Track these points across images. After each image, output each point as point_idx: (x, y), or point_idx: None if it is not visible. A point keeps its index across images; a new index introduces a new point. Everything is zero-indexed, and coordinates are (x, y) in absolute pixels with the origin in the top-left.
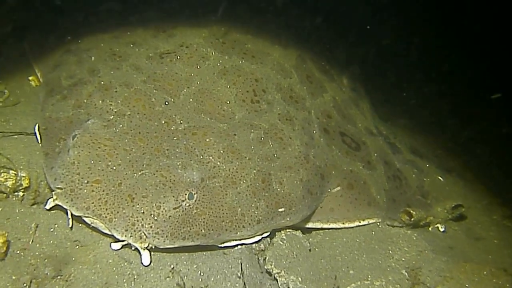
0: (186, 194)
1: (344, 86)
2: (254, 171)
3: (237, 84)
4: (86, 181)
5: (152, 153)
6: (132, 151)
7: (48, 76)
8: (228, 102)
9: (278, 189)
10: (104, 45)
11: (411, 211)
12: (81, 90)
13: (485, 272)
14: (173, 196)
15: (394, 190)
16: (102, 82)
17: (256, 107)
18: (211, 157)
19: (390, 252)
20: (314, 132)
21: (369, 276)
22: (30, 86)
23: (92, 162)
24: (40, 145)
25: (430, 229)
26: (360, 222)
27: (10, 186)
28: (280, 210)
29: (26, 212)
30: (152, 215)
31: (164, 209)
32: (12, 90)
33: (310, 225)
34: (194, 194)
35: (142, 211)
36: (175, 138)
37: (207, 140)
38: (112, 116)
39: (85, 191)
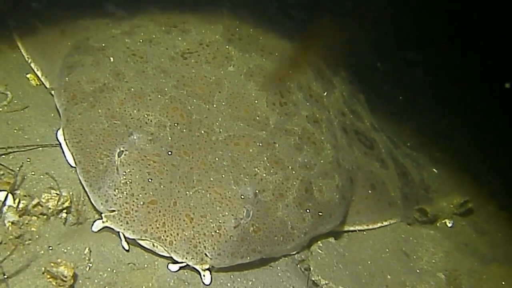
0: (244, 212)
1: (344, 79)
2: (298, 181)
3: (266, 86)
4: (141, 203)
5: (199, 167)
6: (180, 166)
7: (62, 78)
8: (260, 106)
9: (319, 198)
10: (118, 44)
11: (426, 209)
12: (111, 98)
13: None
14: (232, 215)
15: (405, 187)
16: (132, 89)
17: (286, 110)
18: (257, 169)
19: (419, 254)
20: (337, 133)
21: (407, 282)
22: (30, 86)
23: (144, 181)
24: (67, 157)
25: (438, 224)
26: (382, 223)
27: (52, 207)
28: (322, 219)
29: (73, 235)
30: (214, 236)
31: (225, 229)
32: (13, 91)
33: (339, 228)
34: (250, 211)
35: (203, 233)
36: (219, 150)
37: (251, 151)
38: (153, 128)
39: (141, 213)
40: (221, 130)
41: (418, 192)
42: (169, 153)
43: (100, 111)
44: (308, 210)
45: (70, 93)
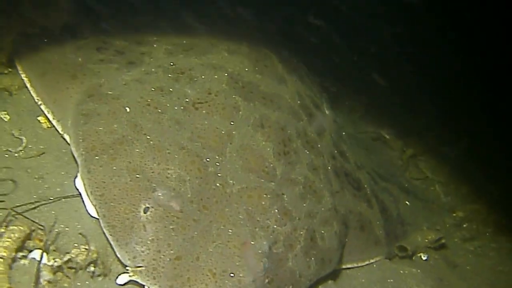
0: (261, 266)
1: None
2: (304, 231)
3: (271, 136)
4: (168, 259)
5: (218, 220)
6: (201, 221)
7: (79, 127)
8: (268, 157)
9: (321, 245)
10: (132, 92)
11: (406, 246)
12: (131, 151)
13: None
14: (251, 269)
15: (386, 223)
16: (151, 142)
17: (289, 159)
18: (269, 221)
19: None
20: (331, 178)
21: None
22: (42, 129)
23: (170, 237)
24: (88, 208)
25: (413, 258)
26: (369, 261)
27: (80, 261)
28: (324, 264)
29: None
30: None
31: (245, 283)
32: (26, 135)
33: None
34: (266, 264)
35: (225, 287)
36: (234, 203)
37: (263, 203)
38: (174, 183)
39: (168, 269)
40: (234, 182)
41: (397, 227)
42: (192, 209)
43: (121, 164)
44: (312, 258)
45: (89, 144)
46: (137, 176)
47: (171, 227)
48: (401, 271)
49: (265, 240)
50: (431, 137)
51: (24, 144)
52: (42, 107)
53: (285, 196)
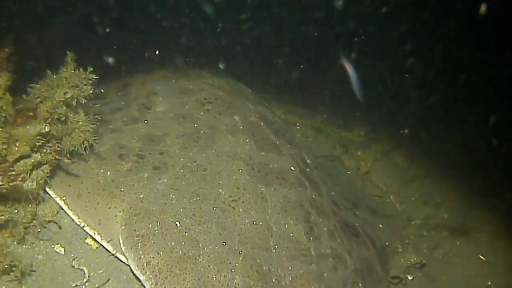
0: None
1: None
2: None
3: (298, 218)
4: None
5: None
6: None
7: (137, 250)
8: (301, 239)
9: None
10: (174, 204)
11: (398, 275)
12: (196, 268)
13: None
14: None
15: (378, 256)
16: (211, 255)
17: (314, 234)
18: None
19: None
20: (342, 236)
21: None
22: (93, 251)
23: None
24: None
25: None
26: None
27: None
28: None
29: None
30: None
31: None
32: (82, 263)
33: None
34: None
35: None
36: None
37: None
38: None
39: None
40: (285, 274)
41: (382, 255)
42: None
43: (192, 283)
44: None
45: (155, 267)
46: None
47: None
48: None
49: None
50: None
51: (87, 274)
52: (87, 229)
53: (325, 274)
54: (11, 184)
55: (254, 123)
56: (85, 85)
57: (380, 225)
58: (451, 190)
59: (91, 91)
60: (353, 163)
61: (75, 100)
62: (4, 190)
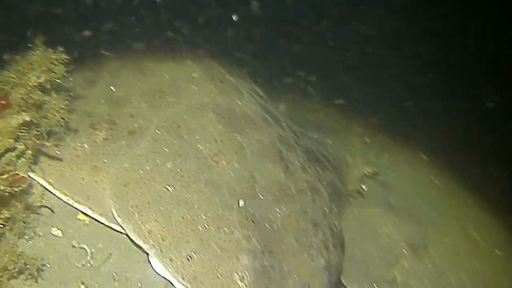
0: (326, 279)
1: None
2: (327, 230)
3: (274, 159)
4: None
5: (283, 259)
6: (273, 265)
7: (137, 221)
8: (281, 180)
9: (336, 232)
10: (159, 167)
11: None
12: (196, 229)
13: None
14: (320, 284)
15: (339, 175)
16: (208, 215)
17: (289, 170)
18: (312, 239)
19: None
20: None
21: None
22: (86, 226)
23: None
24: None
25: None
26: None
27: None
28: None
29: None
30: None
31: None
32: (83, 241)
33: None
34: (327, 277)
35: None
36: (285, 235)
37: (302, 225)
38: (245, 244)
39: None
40: (274, 217)
41: (339, 172)
42: (266, 259)
43: (195, 244)
44: (337, 247)
45: (157, 234)
46: (216, 250)
47: (264, 284)
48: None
49: (322, 258)
50: None
51: (89, 252)
52: (77, 205)
53: (308, 210)
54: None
55: (210, 65)
56: (57, 66)
57: (329, 141)
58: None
59: (64, 72)
60: None
61: (49, 83)
62: (7, 194)
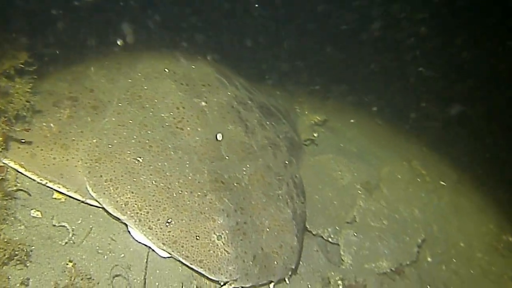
0: (295, 227)
1: None
2: (290, 181)
3: (233, 119)
4: (250, 262)
5: (256, 213)
6: (248, 221)
7: (113, 194)
8: (243, 139)
9: (298, 183)
10: (126, 140)
11: (311, 137)
12: (171, 195)
13: None
14: (290, 232)
15: (292, 126)
16: (180, 181)
17: (249, 128)
18: (278, 191)
19: None
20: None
21: None
22: (63, 204)
23: (244, 247)
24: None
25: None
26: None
27: None
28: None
29: None
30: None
31: (294, 246)
32: (60, 219)
33: None
34: (296, 226)
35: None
36: (253, 192)
37: (267, 180)
38: (219, 205)
39: (253, 268)
40: (241, 176)
41: (292, 123)
42: (239, 216)
43: (172, 210)
44: (300, 195)
45: (133, 205)
46: (192, 214)
47: (240, 239)
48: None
49: (289, 209)
50: None
51: (70, 229)
52: (51, 184)
53: (271, 164)
54: None
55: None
56: (20, 52)
57: (278, 92)
58: None
59: (27, 57)
60: None
61: (12, 69)
62: None
